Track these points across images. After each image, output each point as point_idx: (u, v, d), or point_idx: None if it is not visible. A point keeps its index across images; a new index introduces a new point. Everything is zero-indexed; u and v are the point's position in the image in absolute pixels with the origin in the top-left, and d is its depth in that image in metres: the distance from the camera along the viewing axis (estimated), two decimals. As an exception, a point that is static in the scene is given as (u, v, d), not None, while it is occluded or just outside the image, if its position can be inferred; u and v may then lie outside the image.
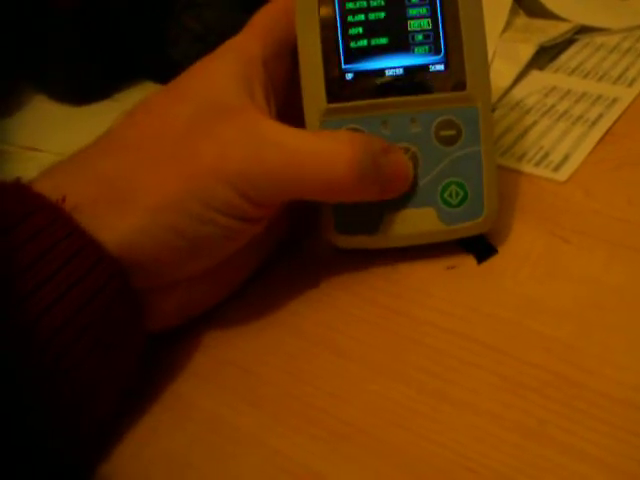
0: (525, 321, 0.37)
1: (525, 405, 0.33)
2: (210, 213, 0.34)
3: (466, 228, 0.40)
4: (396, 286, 0.40)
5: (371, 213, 0.39)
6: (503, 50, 0.57)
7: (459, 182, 0.39)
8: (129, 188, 0.33)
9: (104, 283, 0.31)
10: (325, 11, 0.38)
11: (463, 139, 0.39)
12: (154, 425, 0.34)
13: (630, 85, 0.54)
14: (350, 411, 0.34)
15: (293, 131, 0.36)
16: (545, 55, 0.58)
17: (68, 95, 0.58)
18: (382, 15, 0.39)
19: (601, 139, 0.48)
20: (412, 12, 0.39)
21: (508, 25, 0.60)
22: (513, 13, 0.61)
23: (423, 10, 0.38)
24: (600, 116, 0.50)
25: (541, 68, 0.57)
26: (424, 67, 0.39)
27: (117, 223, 0.32)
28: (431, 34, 0.38)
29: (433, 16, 0.38)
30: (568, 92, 0.54)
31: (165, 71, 0.38)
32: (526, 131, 0.50)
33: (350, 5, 0.38)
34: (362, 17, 0.39)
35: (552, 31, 0.59)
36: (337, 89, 0.38)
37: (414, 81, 0.39)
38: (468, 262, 0.41)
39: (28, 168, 0.50)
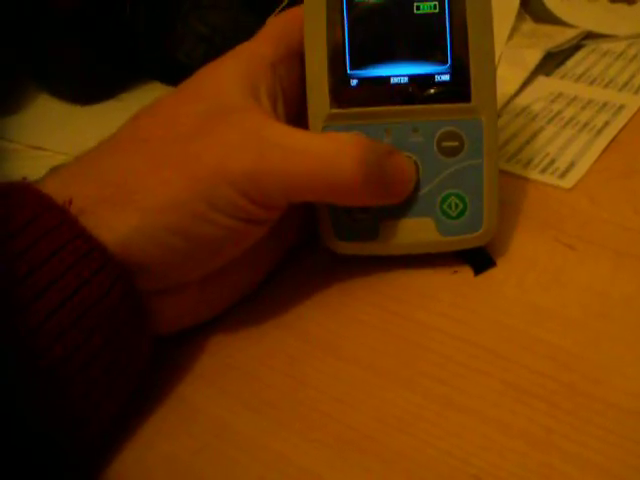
0: (531, 329, 0.37)
1: (531, 413, 0.33)
2: (213, 214, 0.34)
3: (464, 240, 0.39)
4: (402, 291, 0.40)
5: (370, 221, 0.39)
6: (509, 56, 0.57)
7: (459, 194, 0.39)
8: (131, 189, 0.33)
9: (109, 286, 0.31)
10: (332, 17, 0.38)
11: (465, 151, 0.39)
12: (157, 429, 0.34)
13: (636, 92, 0.54)
14: (355, 416, 0.34)
15: (297, 132, 0.36)
16: (552, 61, 0.58)
17: (73, 94, 0.58)
18: (389, 23, 0.38)
19: (607, 147, 0.48)
20: (420, 21, 0.38)
21: (515, 31, 0.60)
22: (520, 19, 0.61)
23: (431, 19, 0.38)
24: (606, 124, 0.50)
25: (547, 74, 0.57)
26: (429, 77, 0.38)
27: (118, 224, 0.32)
28: (438, 44, 0.38)
29: (440, 26, 0.38)
30: (574, 99, 0.54)
31: (170, 71, 0.38)
32: (532, 138, 0.50)
33: (358, 12, 0.38)
34: (369, 24, 0.38)
35: (559, 37, 0.59)
36: (341, 95, 0.38)
37: (418, 90, 0.38)
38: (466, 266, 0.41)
39: (33, 167, 0.50)
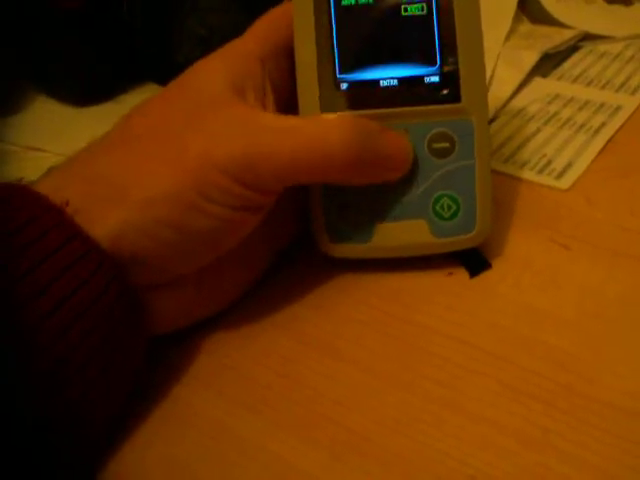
0: (527, 329, 0.37)
1: (527, 413, 0.33)
2: (205, 204, 0.34)
3: (458, 242, 0.39)
4: (398, 293, 0.40)
5: (364, 222, 0.39)
6: (506, 57, 0.57)
7: (452, 195, 0.39)
8: (121, 184, 0.33)
9: (106, 286, 0.31)
10: (321, 21, 0.38)
11: (457, 152, 0.39)
12: (155, 430, 0.34)
13: (633, 93, 0.54)
14: (352, 418, 0.34)
15: (286, 116, 0.36)
16: (548, 62, 0.58)
17: (72, 96, 0.58)
18: (378, 26, 0.38)
19: (604, 147, 0.48)
20: (408, 23, 0.38)
21: (512, 32, 0.60)
22: (517, 20, 0.62)
23: (419, 21, 0.38)
24: (603, 124, 0.50)
25: (544, 75, 0.57)
26: (419, 78, 0.38)
27: (109, 219, 0.32)
28: (426, 45, 0.38)
29: (429, 27, 0.38)
30: (571, 100, 0.54)
31: (168, 73, 0.38)
32: (529, 139, 0.50)
33: (346, 15, 0.38)
34: (357, 27, 0.38)
35: (556, 38, 0.59)
36: (331, 99, 0.38)
37: (408, 92, 0.38)
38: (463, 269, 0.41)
39: (31, 168, 0.51)
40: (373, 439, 0.33)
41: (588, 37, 0.61)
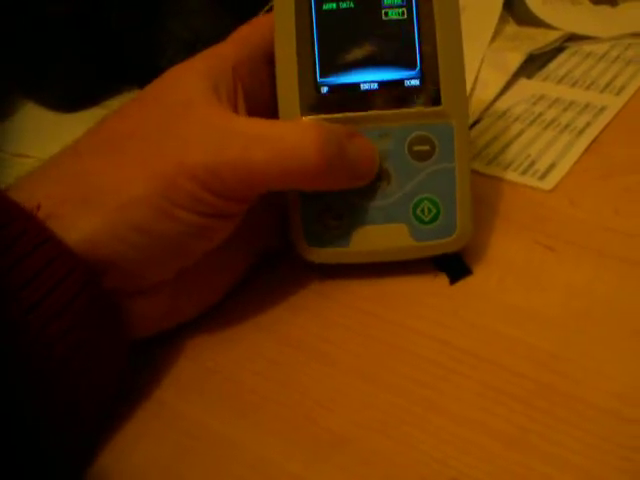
0: (511, 330, 0.37)
1: (510, 414, 0.33)
2: (174, 210, 0.34)
3: (438, 246, 0.39)
4: (382, 295, 0.40)
5: (342, 226, 0.39)
6: (491, 59, 0.57)
7: (432, 199, 0.39)
8: (94, 189, 0.33)
9: (79, 290, 0.32)
10: (302, 25, 0.38)
11: (437, 155, 0.39)
12: (139, 432, 0.35)
13: (618, 94, 0.54)
14: (335, 419, 0.34)
15: (257, 120, 0.36)
16: (534, 63, 0.58)
17: (57, 102, 0.58)
18: (359, 30, 0.39)
19: (588, 148, 0.48)
20: (388, 27, 0.38)
21: (497, 34, 0.60)
22: (503, 21, 0.62)
23: (399, 25, 0.38)
24: (588, 125, 0.50)
25: (529, 76, 0.57)
26: (399, 82, 0.38)
27: (83, 223, 0.33)
28: (407, 49, 0.38)
29: (409, 32, 0.38)
30: (556, 100, 0.54)
31: (153, 78, 0.38)
32: (513, 140, 0.50)
33: (327, 20, 0.38)
34: (338, 31, 0.39)
35: (541, 39, 0.59)
36: (312, 102, 0.38)
37: (389, 96, 0.38)
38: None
39: (17, 174, 0.50)
40: (356, 440, 0.33)
41: (574, 38, 0.61)
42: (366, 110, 0.38)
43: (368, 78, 0.38)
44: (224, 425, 0.34)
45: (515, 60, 0.56)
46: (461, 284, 0.40)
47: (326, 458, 0.33)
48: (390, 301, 0.39)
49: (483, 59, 0.57)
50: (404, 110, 0.38)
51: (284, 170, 0.35)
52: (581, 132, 0.50)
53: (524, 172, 0.47)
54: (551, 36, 0.60)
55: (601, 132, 0.50)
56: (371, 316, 0.39)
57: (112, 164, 0.34)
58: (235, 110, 0.37)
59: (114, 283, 0.33)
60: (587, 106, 0.53)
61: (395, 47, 0.39)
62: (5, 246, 0.30)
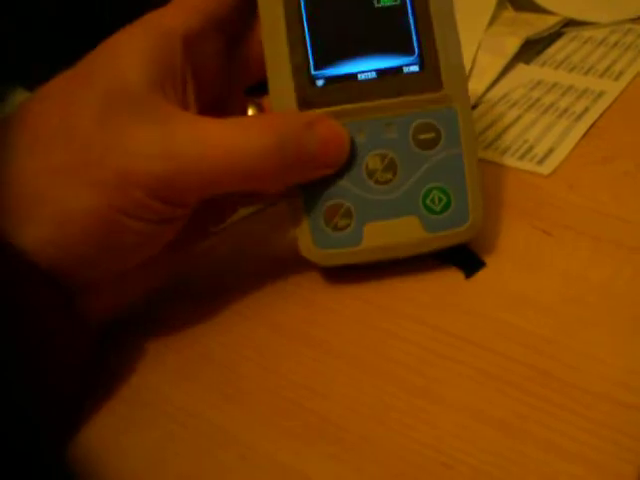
0: (507, 316, 0.36)
1: (505, 401, 0.33)
2: (123, 219, 0.32)
3: (452, 235, 0.38)
4: (374, 280, 0.39)
5: (352, 224, 0.38)
6: (489, 44, 0.56)
7: (441, 187, 0.38)
8: (35, 198, 0.31)
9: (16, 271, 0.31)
10: (291, 16, 0.37)
11: (442, 142, 0.38)
12: (126, 419, 0.34)
13: (616, 79, 0.53)
14: (326, 405, 0.33)
15: (207, 123, 0.34)
16: (532, 49, 0.58)
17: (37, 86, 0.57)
18: (351, 18, 0.38)
19: (586, 133, 0.48)
20: (382, 13, 0.37)
21: (495, 19, 0.60)
22: (501, 7, 0.61)
23: (393, 11, 0.37)
24: (586, 110, 0.50)
25: (528, 62, 0.56)
26: (398, 69, 0.38)
27: (26, 237, 0.31)
28: (403, 35, 0.37)
29: (404, 17, 0.37)
30: (554, 85, 0.53)
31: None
32: (511, 125, 0.49)
33: (317, 9, 0.37)
34: (331, 21, 0.37)
35: (539, 24, 0.59)
36: (308, 97, 0.37)
37: (388, 84, 0.37)
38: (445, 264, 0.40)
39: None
40: (347, 427, 0.32)
41: (572, 23, 0.60)
42: (365, 101, 0.37)
43: (365, 67, 0.37)
44: (213, 412, 0.34)
45: (513, 45, 0.56)
46: (456, 269, 0.39)
47: (315, 444, 0.32)
48: (381, 286, 0.39)
49: (480, 44, 0.56)
50: (405, 98, 0.37)
51: (238, 174, 0.34)
52: (579, 117, 0.49)
53: (522, 157, 0.46)
54: (549, 21, 0.59)
55: (599, 117, 0.49)
56: (360, 301, 0.38)
57: (51, 168, 0.32)
58: (183, 96, 0.34)
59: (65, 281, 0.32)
60: (585, 91, 0.52)
61: (391, 34, 0.38)
62: None
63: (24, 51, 0.57)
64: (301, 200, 0.37)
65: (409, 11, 0.37)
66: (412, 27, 0.37)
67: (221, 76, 0.38)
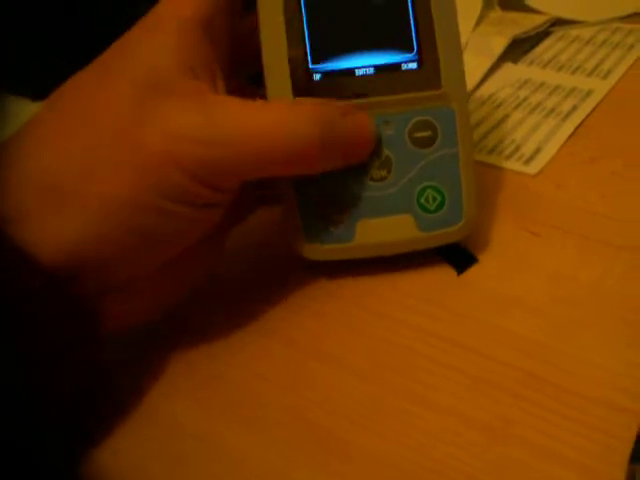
0: (496, 318, 0.36)
1: (495, 406, 0.32)
2: (166, 204, 0.32)
3: (445, 234, 0.38)
4: (368, 286, 0.39)
5: (345, 220, 0.37)
6: (476, 44, 0.56)
7: (436, 186, 0.37)
8: (72, 189, 0.31)
9: (42, 299, 0.30)
10: (290, 9, 0.37)
11: (439, 141, 0.37)
12: (135, 439, 0.33)
13: (605, 77, 0.53)
14: (316, 411, 0.33)
15: (245, 104, 0.33)
16: (519, 48, 0.57)
17: (27, 89, 0.57)
18: (350, 12, 0.37)
19: (574, 132, 0.47)
20: (382, 9, 0.37)
21: (482, 19, 0.59)
22: (488, 6, 0.61)
23: (392, 6, 0.37)
24: (574, 108, 0.49)
25: (515, 61, 0.56)
26: (396, 66, 0.37)
27: (63, 229, 0.30)
28: (402, 31, 0.37)
29: (404, 12, 0.37)
30: (542, 85, 0.53)
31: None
32: (497, 124, 0.49)
33: (317, 2, 0.37)
34: (329, 15, 0.37)
35: (527, 23, 0.58)
36: (304, 91, 0.36)
37: (386, 81, 0.37)
38: (436, 258, 0.39)
39: None
40: (336, 432, 0.32)
41: (559, 22, 0.60)
42: (362, 97, 0.37)
43: (363, 63, 0.37)
44: (228, 433, 0.33)
45: (499, 44, 0.55)
46: (444, 272, 0.39)
47: (305, 451, 0.32)
48: (376, 292, 0.38)
49: (467, 43, 0.56)
50: (403, 95, 0.37)
51: (278, 159, 0.33)
52: (567, 116, 0.49)
53: (509, 157, 0.46)
54: (537, 20, 0.59)
55: (587, 116, 0.49)
56: (351, 304, 0.38)
57: (85, 158, 0.31)
58: (214, 83, 0.34)
59: (87, 284, 0.31)
60: (573, 90, 0.52)
61: (390, 29, 0.37)
62: None
63: (23, 59, 0.56)
64: (294, 195, 0.37)
65: (409, 7, 0.37)
66: (412, 23, 0.37)
67: (231, 57, 0.37)
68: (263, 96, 0.37)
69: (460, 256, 0.39)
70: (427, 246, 0.38)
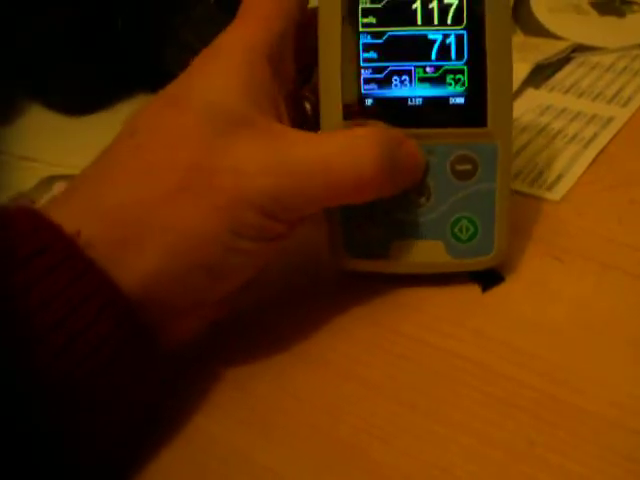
0: (517, 340, 0.37)
1: (515, 425, 0.33)
2: (239, 242, 0.32)
3: (474, 263, 0.39)
4: (384, 298, 0.40)
5: (382, 238, 0.39)
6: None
7: (470, 217, 0.38)
8: (145, 225, 0.31)
9: (116, 325, 0.30)
10: (348, 34, 0.37)
11: (478, 175, 0.38)
12: (171, 458, 0.34)
13: (625, 105, 0.54)
14: (340, 427, 0.34)
15: (312, 138, 0.34)
16: (541, 74, 0.58)
17: (66, 106, 0.58)
18: (406, 43, 0.37)
19: (595, 158, 0.48)
20: (438, 43, 0.37)
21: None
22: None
23: (449, 42, 0.37)
24: (595, 135, 0.51)
25: (536, 87, 0.57)
26: (444, 99, 0.37)
27: (135, 264, 0.31)
28: (455, 66, 0.37)
29: (459, 48, 0.37)
30: (563, 111, 0.54)
31: (163, 84, 0.38)
32: (520, 150, 0.50)
33: (374, 30, 0.37)
34: (386, 44, 0.37)
35: (548, 49, 0.59)
36: (355, 115, 0.37)
37: (433, 113, 0.38)
38: (461, 280, 0.40)
39: (23, 178, 0.51)
40: (359, 448, 0.33)
41: (580, 48, 0.61)
42: (410, 126, 0.37)
43: (413, 93, 0.37)
44: (259, 453, 0.33)
45: (522, 70, 0.56)
46: (466, 294, 0.40)
47: (328, 466, 0.32)
48: (397, 311, 0.39)
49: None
50: (449, 130, 0.38)
51: (345, 187, 0.34)
52: (588, 143, 0.50)
53: (532, 182, 0.47)
54: (558, 46, 0.60)
55: (608, 143, 0.50)
56: (374, 324, 0.39)
57: (158, 195, 0.31)
58: (278, 113, 0.35)
59: (158, 313, 0.32)
60: (594, 117, 0.53)
61: (443, 64, 0.37)
62: (43, 273, 0.28)
63: (40, 66, 0.57)
64: (337, 210, 0.38)
65: (465, 44, 0.37)
66: (465, 60, 0.37)
67: (295, 83, 0.38)
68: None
69: (487, 274, 0.40)
70: (456, 270, 0.40)
